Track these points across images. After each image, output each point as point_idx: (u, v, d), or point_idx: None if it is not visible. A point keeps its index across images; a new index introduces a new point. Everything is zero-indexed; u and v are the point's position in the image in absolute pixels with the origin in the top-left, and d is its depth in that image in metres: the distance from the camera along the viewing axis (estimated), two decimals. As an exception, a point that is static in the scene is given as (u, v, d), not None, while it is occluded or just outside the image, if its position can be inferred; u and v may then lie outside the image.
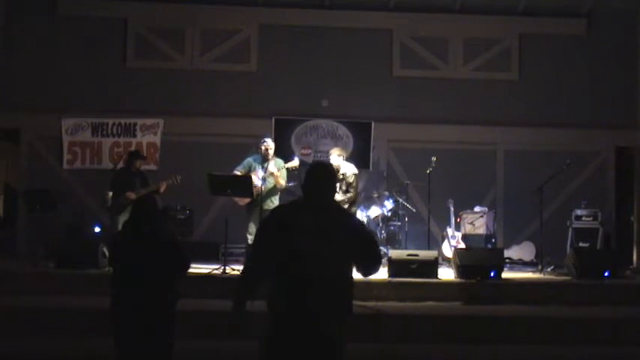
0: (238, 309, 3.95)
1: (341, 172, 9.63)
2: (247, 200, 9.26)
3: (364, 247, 4.01)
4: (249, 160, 9.53)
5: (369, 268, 4.06)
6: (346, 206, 9.57)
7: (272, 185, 9.25)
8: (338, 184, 9.49)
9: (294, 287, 3.83)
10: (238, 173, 9.38)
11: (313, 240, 3.84)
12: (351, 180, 9.72)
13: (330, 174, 4.13)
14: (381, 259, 4.21)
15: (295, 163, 9.30)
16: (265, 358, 3.89)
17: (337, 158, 9.78)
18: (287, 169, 9.27)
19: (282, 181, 9.25)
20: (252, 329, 3.88)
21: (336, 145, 11.55)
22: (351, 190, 9.70)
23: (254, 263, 4.08)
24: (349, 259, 3.95)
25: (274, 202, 9.26)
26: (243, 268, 4.87)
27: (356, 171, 9.88)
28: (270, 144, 9.44)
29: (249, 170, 9.38)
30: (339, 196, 9.72)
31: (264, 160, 9.39)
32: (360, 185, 10.68)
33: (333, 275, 3.86)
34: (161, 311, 4.75)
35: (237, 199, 9.43)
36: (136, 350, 4.73)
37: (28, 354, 4.77)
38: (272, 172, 9.16)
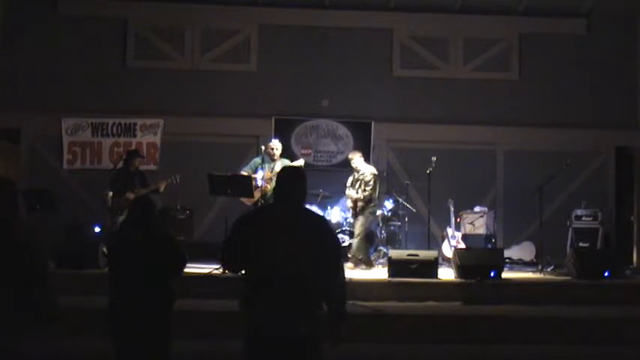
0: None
1: (360, 172, 10.11)
2: (254, 200, 9.29)
3: (325, 251, 3.99)
4: (257, 160, 9.64)
5: (327, 275, 3.99)
6: (361, 204, 10.03)
7: (259, 186, 9.29)
8: (358, 183, 10.08)
9: (262, 287, 3.90)
10: (245, 173, 9.44)
11: (281, 240, 3.90)
12: (368, 179, 10.05)
13: (299, 177, 4.19)
14: (341, 270, 4.10)
15: (300, 162, 9.40)
16: (247, 357, 3.95)
17: (359, 160, 10.24)
18: None
19: None
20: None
21: (336, 145, 11.60)
22: (367, 190, 10.01)
23: (226, 261, 4.17)
24: (318, 260, 3.95)
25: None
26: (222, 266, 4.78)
27: (375, 171, 10.25)
28: (276, 144, 9.55)
29: (256, 170, 9.46)
30: (353, 194, 10.04)
31: (271, 160, 9.46)
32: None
33: (300, 275, 3.89)
34: (159, 311, 4.75)
35: (243, 198, 9.47)
36: (134, 350, 4.73)
37: (28, 354, 4.75)
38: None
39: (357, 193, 10.05)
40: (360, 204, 10.06)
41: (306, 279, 3.90)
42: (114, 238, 5.55)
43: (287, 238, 3.91)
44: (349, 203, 10.28)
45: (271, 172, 9.37)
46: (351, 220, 10.79)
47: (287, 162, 9.42)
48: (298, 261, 3.89)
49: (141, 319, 4.70)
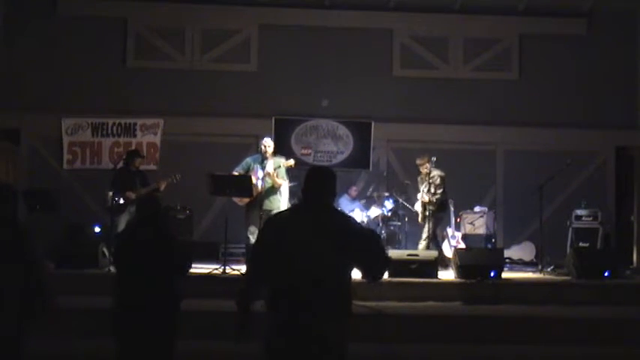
0: (242, 312, 3.96)
1: (430, 175, 10.10)
2: (247, 200, 9.27)
3: (367, 247, 3.95)
4: (248, 160, 9.58)
5: (374, 269, 4.00)
6: (434, 207, 10.06)
7: (270, 185, 9.27)
8: (427, 187, 10.06)
9: (290, 289, 3.84)
10: (237, 174, 9.40)
11: (309, 242, 3.84)
12: (438, 182, 10.10)
13: (328, 177, 4.11)
14: (389, 260, 4.12)
15: (290, 162, 9.35)
16: (267, 359, 3.89)
17: (430, 165, 10.16)
18: (285, 169, 9.29)
19: (280, 181, 9.26)
20: (251, 333, 3.92)
21: (336, 145, 11.59)
22: (438, 192, 10.07)
23: (254, 266, 4.09)
24: (347, 262, 3.92)
25: (273, 201, 9.27)
26: (246, 271, 4.80)
27: (443, 174, 10.25)
28: (268, 143, 9.49)
29: (248, 171, 9.41)
30: (426, 197, 10.09)
31: (263, 159, 9.41)
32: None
33: (329, 277, 3.84)
34: (164, 312, 4.75)
35: (236, 199, 9.44)
36: (138, 350, 4.73)
37: (28, 354, 4.75)
38: (268, 172, 9.20)
39: (427, 196, 10.04)
40: (430, 208, 10.06)
41: (333, 281, 3.86)
42: (121, 236, 5.54)
43: (314, 240, 3.84)
44: (419, 208, 10.27)
45: (263, 171, 9.36)
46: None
47: (279, 161, 9.41)
48: (325, 262, 3.83)
49: (147, 319, 4.69)
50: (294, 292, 3.82)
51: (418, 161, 10.36)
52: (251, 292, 4.00)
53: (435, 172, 10.18)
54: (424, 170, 10.24)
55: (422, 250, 9.96)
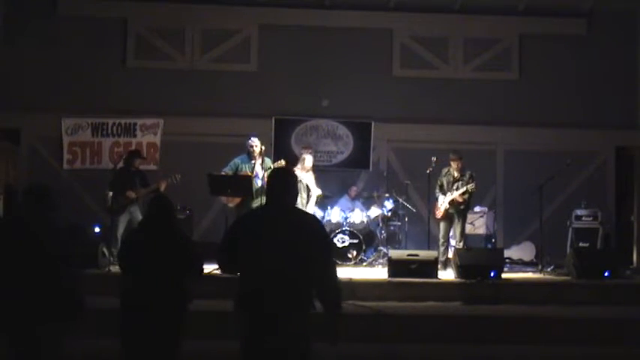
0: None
1: (463, 174, 10.09)
2: (237, 201, 9.29)
3: (314, 250, 4.00)
4: (236, 160, 9.60)
5: (318, 273, 4.01)
6: (464, 206, 10.08)
7: (259, 186, 9.28)
8: (456, 185, 9.99)
9: (256, 287, 3.93)
10: (239, 174, 9.42)
11: (271, 242, 3.94)
12: (471, 181, 10.03)
13: (289, 177, 4.23)
14: (332, 268, 4.12)
15: (281, 163, 9.36)
16: (243, 357, 3.98)
17: (459, 164, 10.13)
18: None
19: None
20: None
21: (336, 145, 11.57)
22: (470, 191, 10.00)
23: (222, 263, 4.20)
24: (308, 261, 3.98)
25: (262, 202, 9.28)
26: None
27: (474, 174, 10.17)
28: (255, 142, 9.49)
29: (236, 171, 9.43)
30: (460, 198, 9.96)
31: (251, 159, 9.42)
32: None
33: (292, 275, 3.92)
34: (172, 312, 4.73)
35: (224, 199, 9.45)
36: (144, 351, 4.71)
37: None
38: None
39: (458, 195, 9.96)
40: (460, 207, 10.03)
41: (297, 280, 3.93)
42: (131, 236, 5.51)
43: (277, 240, 3.94)
44: (445, 204, 10.08)
45: (251, 171, 9.36)
46: (352, 221, 10.80)
47: (268, 161, 9.43)
48: (289, 262, 3.91)
49: (153, 319, 4.67)
50: (259, 289, 3.91)
51: (451, 156, 10.23)
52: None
53: (468, 171, 10.14)
54: (456, 167, 10.13)
55: (460, 246, 9.90)
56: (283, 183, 4.16)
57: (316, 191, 10.19)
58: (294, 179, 4.25)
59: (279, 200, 4.10)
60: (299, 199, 9.59)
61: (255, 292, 3.92)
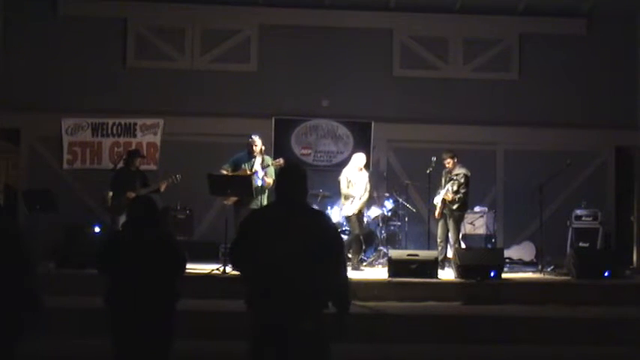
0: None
1: (454, 173, 9.94)
2: (234, 199, 9.30)
3: (325, 248, 4.00)
4: (236, 157, 9.60)
5: (328, 272, 4.00)
6: (456, 206, 9.87)
7: (258, 185, 9.30)
8: (450, 184, 9.86)
9: (266, 287, 3.93)
10: (224, 172, 9.43)
11: (282, 240, 3.93)
12: (462, 180, 9.90)
13: (301, 175, 4.21)
14: (343, 267, 4.15)
15: (280, 161, 9.37)
16: (252, 357, 3.96)
17: (454, 161, 10.10)
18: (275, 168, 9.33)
19: (270, 179, 9.29)
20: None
21: (336, 145, 11.60)
22: (461, 192, 9.87)
23: (234, 262, 4.21)
24: (319, 258, 3.97)
25: (261, 201, 9.28)
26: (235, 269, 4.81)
27: (468, 172, 10.06)
28: (256, 140, 9.50)
29: (235, 168, 9.44)
30: (450, 195, 9.88)
31: (250, 156, 9.44)
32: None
33: (303, 274, 3.91)
34: (160, 311, 4.73)
35: (221, 198, 9.46)
36: (134, 350, 4.71)
37: (28, 354, 4.75)
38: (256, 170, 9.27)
39: (450, 194, 9.83)
40: (452, 206, 9.87)
41: (308, 278, 3.91)
42: (114, 236, 5.50)
43: (288, 238, 3.93)
44: (438, 202, 9.98)
45: (251, 169, 9.37)
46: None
47: (268, 159, 9.44)
48: (300, 260, 3.90)
49: (141, 319, 4.67)
50: (271, 289, 3.90)
51: (443, 156, 10.22)
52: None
53: (461, 171, 10.01)
54: (448, 166, 10.10)
55: (457, 249, 9.83)
56: (293, 180, 4.16)
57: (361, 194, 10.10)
58: (303, 176, 4.23)
59: (290, 197, 4.10)
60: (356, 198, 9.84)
61: (266, 290, 3.91)
